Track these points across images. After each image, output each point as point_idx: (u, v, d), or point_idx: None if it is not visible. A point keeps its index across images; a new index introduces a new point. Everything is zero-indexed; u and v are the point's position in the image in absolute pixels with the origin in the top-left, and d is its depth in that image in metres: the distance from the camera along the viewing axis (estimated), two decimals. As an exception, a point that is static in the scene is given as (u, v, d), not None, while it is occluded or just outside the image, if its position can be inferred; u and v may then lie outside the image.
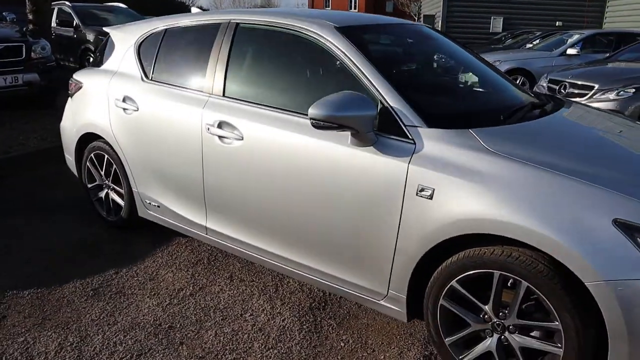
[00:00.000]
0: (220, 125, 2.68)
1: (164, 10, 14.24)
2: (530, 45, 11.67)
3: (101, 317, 2.58)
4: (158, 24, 3.26)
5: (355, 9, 47.75)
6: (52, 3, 9.71)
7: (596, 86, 6.66)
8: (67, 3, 9.86)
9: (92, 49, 9.08)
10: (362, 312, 2.68)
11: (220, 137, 2.67)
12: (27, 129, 6.00)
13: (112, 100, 3.27)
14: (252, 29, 2.79)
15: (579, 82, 6.89)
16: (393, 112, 2.22)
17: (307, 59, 2.65)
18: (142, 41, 3.28)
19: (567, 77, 7.13)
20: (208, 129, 2.72)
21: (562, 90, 7.07)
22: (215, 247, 3.32)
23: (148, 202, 3.25)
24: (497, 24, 16.66)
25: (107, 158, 3.44)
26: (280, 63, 2.70)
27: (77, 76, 3.68)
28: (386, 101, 2.24)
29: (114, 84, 3.29)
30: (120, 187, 3.46)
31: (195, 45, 3.01)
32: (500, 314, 2.05)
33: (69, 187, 4.43)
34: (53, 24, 9.40)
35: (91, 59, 9.11)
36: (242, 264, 3.14)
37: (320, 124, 2.15)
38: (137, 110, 3.10)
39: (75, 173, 3.83)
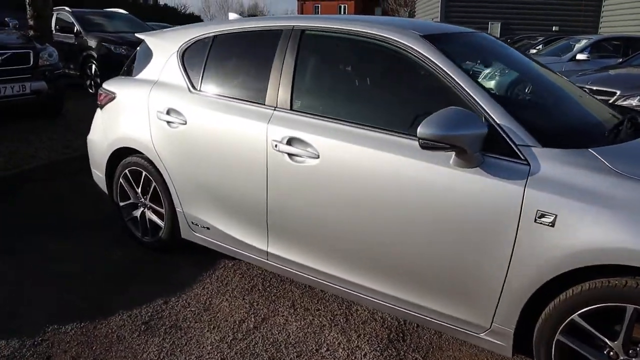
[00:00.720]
0: (289, 141, 2.42)
1: (158, 17, 13.80)
2: (535, 51, 11.59)
3: (161, 358, 2.30)
4: (203, 31, 3.00)
5: (344, 13, 47.77)
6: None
7: (618, 92, 6.53)
8: (66, 9, 9.49)
9: (95, 55, 8.73)
10: (445, 343, 2.44)
11: (290, 154, 2.42)
12: (35, 139, 5.66)
13: (154, 113, 2.99)
14: (321, 37, 2.54)
15: (600, 88, 6.76)
16: (501, 130, 1.98)
17: (390, 69, 2.41)
18: (186, 49, 3.01)
19: (587, 83, 7.00)
20: (275, 145, 2.45)
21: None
22: (269, 272, 3.06)
23: (194, 223, 2.97)
24: (495, 29, 16.63)
25: (145, 175, 3.15)
26: (358, 74, 2.46)
27: (108, 86, 3.39)
28: (492, 118, 2.00)
29: (155, 95, 3.02)
30: (159, 206, 3.17)
31: (252, 53, 2.75)
32: (631, 351, 1.83)
33: (90, 202, 4.12)
34: (52, 30, 9.03)
35: (93, 67, 8.77)
36: (301, 290, 2.88)
37: (430, 144, 1.91)
38: (185, 123, 2.83)
39: (104, 190, 3.53)
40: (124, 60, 8.88)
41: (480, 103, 2.04)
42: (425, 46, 2.22)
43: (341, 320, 2.60)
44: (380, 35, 2.33)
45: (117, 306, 2.68)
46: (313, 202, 2.39)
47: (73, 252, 3.27)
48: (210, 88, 2.84)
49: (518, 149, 1.95)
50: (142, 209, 3.31)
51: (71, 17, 9.23)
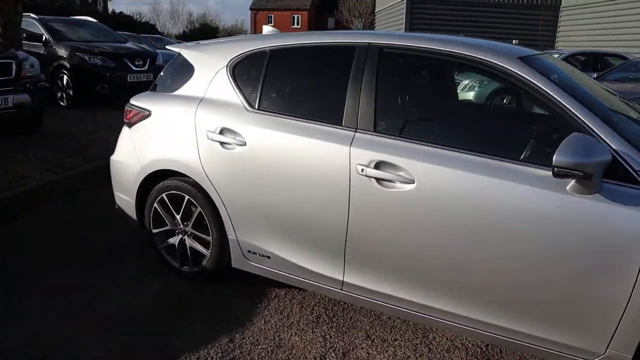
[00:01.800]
0: (377, 165, 2.27)
1: (112, 25, 13.16)
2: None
3: (252, 406, 2.07)
4: (254, 45, 2.79)
5: (298, 25, 47.89)
6: (17, 15, 8.73)
7: None
8: (32, 15, 8.85)
9: (67, 66, 8.18)
10: (536, 371, 2.35)
11: (378, 179, 2.26)
12: (21, 158, 5.18)
13: (202, 133, 2.75)
14: (404, 55, 2.41)
15: None
16: (617, 155, 1.93)
17: (486, 92, 2.31)
18: (237, 64, 2.79)
19: None
20: (362, 170, 2.29)
21: None
22: (329, 300, 2.87)
23: (251, 251, 2.74)
24: (456, 42, 17.02)
25: (188, 199, 2.89)
26: (449, 95, 2.34)
27: (139, 102, 3.10)
28: (607, 143, 1.95)
29: (203, 113, 2.78)
30: (203, 233, 2.92)
31: (320, 70, 2.59)
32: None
33: (102, 227, 3.78)
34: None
35: (65, 78, 8.22)
36: (369, 318, 2.71)
37: (564, 172, 1.83)
38: (244, 144, 2.61)
39: (132, 215, 3.22)
40: (100, 71, 8.43)
41: (593, 128, 1.98)
42: (524, 68, 2.14)
43: (424, 350, 2.46)
44: (476, 57, 2.23)
45: (181, 347, 2.42)
46: (405, 229, 2.25)
47: (106, 288, 2.95)
48: (271, 107, 2.64)
49: (637, 174, 1.90)
50: (181, 236, 3.04)
51: (39, 25, 8.63)
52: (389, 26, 19.48)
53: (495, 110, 2.36)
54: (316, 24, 48.48)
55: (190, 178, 2.85)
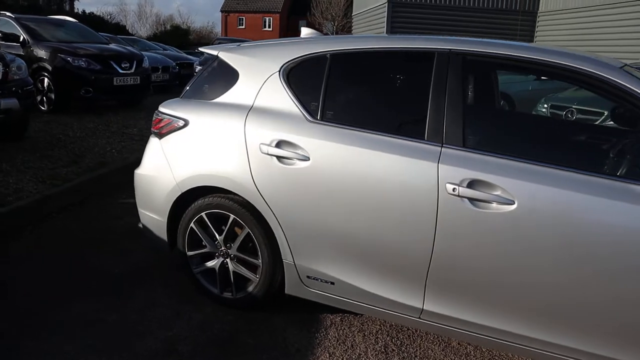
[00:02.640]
0: (471, 184, 2.02)
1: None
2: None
3: None
4: (311, 48, 2.50)
5: (269, 27, 47.43)
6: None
7: (606, 112, 6.77)
8: (8, 14, 8.24)
9: (49, 68, 7.62)
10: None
11: (472, 199, 2.02)
12: (11, 169, 4.71)
13: (255, 146, 2.44)
14: (490, 64, 2.18)
15: (587, 108, 6.96)
16: None
17: (595, 106, 2.10)
18: (292, 69, 2.50)
19: (573, 104, 7.20)
20: (453, 189, 2.04)
21: (570, 116, 7.13)
22: (391, 326, 2.61)
23: (312, 277, 2.45)
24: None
25: (234, 219, 2.58)
26: (546, 108, 2.11)
27: (172, 110, 2.76)
28: None
29: (254, 123, 2.47)
30: (251, 257, 2.61)
31: (392, 78, 2.34)
32: None
33: (115, 248, 3.41)
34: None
35: (46, 81, 7.66)
36: (440, 346, 2.46)
37: None
38: (307, 159, 2.32)
39: (161, 236, 2.87)
40: (85, 74, 7.90)
41: None
42: (629, 79, 1.94)
43: (514, 384, 2.23)
44: (577, 68, 2.01)
45: (242, 391, 2.11)
46: (500, 253, 2.01)
47: (139, 321, 2.60)
48: (336, 117, 2.37)
49: None
50: (222, 259, 2.72)
51: (15, 25, 8.03)
52: (369, 29, 19.36)
53: (597, 127, 2.14)
54: (287, 26, 48.14)
55: (238, 196, 2.54)
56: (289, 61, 2.52)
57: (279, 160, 2.39)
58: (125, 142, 6.37)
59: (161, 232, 2.86)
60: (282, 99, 2.47)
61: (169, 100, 2.92)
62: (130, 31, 27.46)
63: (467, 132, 2.11)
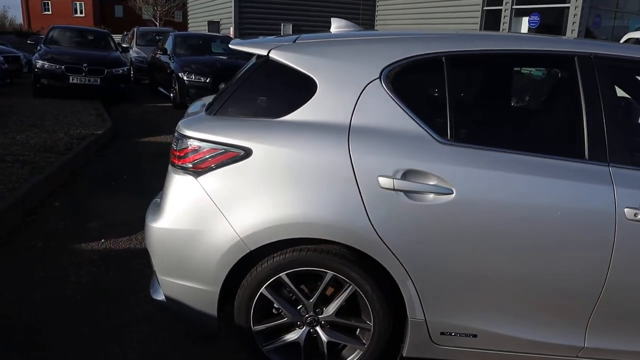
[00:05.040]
0: None
1: None
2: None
3: None
4: (416, 47, 1.89)
5: (81, 13, 41.65)
6: None
7: None
8: None
9: None
10: None
11: None
12: None
13: (370, 179, 1.78)
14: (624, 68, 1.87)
15: None
16: None
17: None
18: (397, 74, 1.88)
19: None
20: (635, 214, 1.71)
21: None
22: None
23: (446, 332, 1.92)
24: (287, 30, 16.79)
25: (333, 277, 1.89)
26: None
27: (216, 135, 1.88)
28: None
29: (364, 149, 1.80)
30: (355, 320, 1.97)
31: (528, 86, 1.88)
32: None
33: (112, 297, 2.37)
34: None
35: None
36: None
37: None
38: (449, 193, 1.76)
39: (207, 311, 1.99)
40: None
41: None
42: None
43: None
44: None
45: None
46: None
47: None
48: (472, 137, 1.84)
49: None
50: (307, 328, 2.00)
51: None
52: (210, 17, 18.11)
53: None
54: (102, 11, 42.84)
55: (340, 245, 1.86)
56: (390, 65, 1.88)
57: (408, 196, 1.79)
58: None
59: (207, 305, 1.99)
60: (393, 114, 1.84)
61: (192, 119, 2.02)
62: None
63: (633, 148, 1.81)
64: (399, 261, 1.83)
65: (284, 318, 2.00)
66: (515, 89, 2.10)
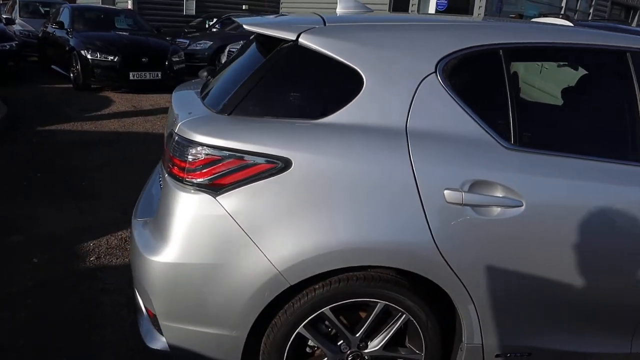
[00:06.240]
0: None
1: None
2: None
3: None
4: (469, 37, 1.61)
5: None
6: None
7: None
8: None
9: None
10: None
11: None
12: None
13: (435, 192, 1.48)
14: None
15: None
16: None
17: None
18: (453, 68, 1.58)
19: None
20: None
21: None
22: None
23: (502, 354, 1.71)
24: (190, 6, 15.54)
25: (385, 307, 1.59)
26: None
27: (242, 142, 1.45)
28: None
29: (427, 157, 1.49)
30: (405, 352, 1.68)
31: (597, 84, 1.69)
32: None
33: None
34: None
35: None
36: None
37: None
38: (519, 205, 1.52)
39: (221, 357, 1.59)
40: None
41: None
42: None
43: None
44: None
45: None
46: None
47: None
48: (538, 140, 1.61)
49: None
50: (350, 365, 1.68)
51: None
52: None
53: None
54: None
55: (394, 270, 1.55)
56: (446, 57, 1.58)
57: (475, 211, 1.53)
58: None
59: (229, 353, 1.58)
60: (453, 115, 1.56)
61: (200, 119, 1.55)
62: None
63: None
64: (463, 284, 1.57)
65: (324, 357, 1.66)
66: (578, 87, 1.92)
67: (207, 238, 1.48)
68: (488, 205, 1.53)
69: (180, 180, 1.51)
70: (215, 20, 14.10)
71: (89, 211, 3.39)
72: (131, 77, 7.81)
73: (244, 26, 1.66)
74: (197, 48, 10.44)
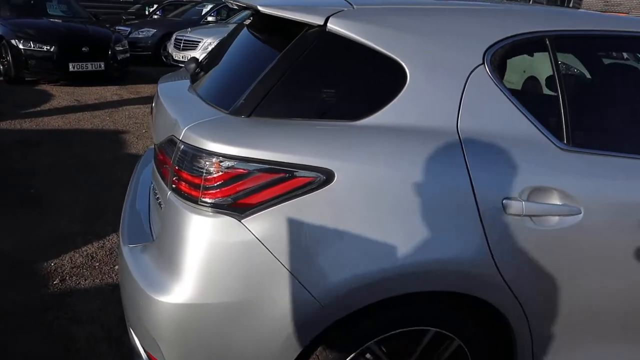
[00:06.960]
0: None
1: None
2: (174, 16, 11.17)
3: None
4: (514, 24, 1.41)
5: None
6: None
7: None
8: None
9: None
10: None
11: None
12: None
13: (493, 204, 1.28)
14: None
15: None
16: None
17: None
18: (501, 59, 1.37)
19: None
20: None
21: None
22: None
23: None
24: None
25: (436, 333, 1.37)
26: None
27: (275, 151, 1.17)
28: None
29: (483, 165, 1.28)
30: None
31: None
32: None
33: None
34: None
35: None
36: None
37: None
38: (577, 213, 1.35)
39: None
40: None
41: None
42: None
43: None
44: None
45: None
46: None
47: None
48: (592, 140, 1.44)
49: None
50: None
51: None
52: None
53: None
54: None
55: (445, 293, 1.33)
56: (493, 46, 1.37)
57: (533, 221, 1.33)
58: None
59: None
60: (505, 112, 1.35)
61: (214, 123, 1.25)
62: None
63: None
64: (520, 304, 1.38)
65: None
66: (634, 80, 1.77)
67: (231, 271, 1.19)
68: (547, 215, 1.35)
69: (194, 200, 1.20)
70: (155, 6, 13.26)
71: (42, 223, 2.93)
72: (71, 69, 7.08)
73: (261, 10, 1.35)
74: (140, 36, 9.73)
